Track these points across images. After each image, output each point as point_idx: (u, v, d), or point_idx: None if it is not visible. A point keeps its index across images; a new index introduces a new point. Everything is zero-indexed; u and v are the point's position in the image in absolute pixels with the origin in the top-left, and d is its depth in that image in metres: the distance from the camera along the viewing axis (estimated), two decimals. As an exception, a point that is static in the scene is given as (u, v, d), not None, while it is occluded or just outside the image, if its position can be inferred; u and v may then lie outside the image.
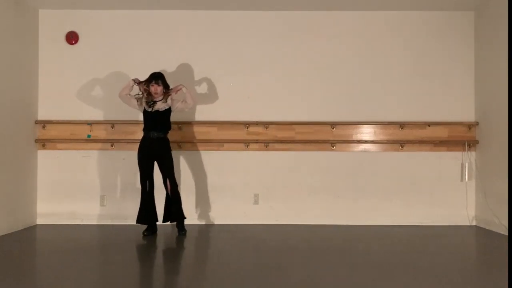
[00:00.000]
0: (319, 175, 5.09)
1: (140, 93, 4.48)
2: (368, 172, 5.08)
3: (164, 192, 4.48)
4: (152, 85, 4.41)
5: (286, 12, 5.10)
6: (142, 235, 4.40)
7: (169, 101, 4.50)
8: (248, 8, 5.04)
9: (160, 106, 4.44)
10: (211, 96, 5.08)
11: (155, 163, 4.49)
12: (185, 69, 5.07)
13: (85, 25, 5.11)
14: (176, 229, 4.53)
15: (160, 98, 4.46)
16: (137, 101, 4.49)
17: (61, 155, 5.06)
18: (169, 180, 4.44)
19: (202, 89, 5.09)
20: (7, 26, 4.56)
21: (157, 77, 4.43)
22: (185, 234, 4.46)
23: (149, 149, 4.42)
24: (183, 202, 4.54)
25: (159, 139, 4.43)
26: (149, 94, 4.44)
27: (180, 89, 4.51)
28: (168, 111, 4.49)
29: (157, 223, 4.54)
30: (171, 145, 4.57)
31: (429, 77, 5.11)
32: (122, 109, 4.96)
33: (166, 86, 4.48)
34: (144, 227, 4.48)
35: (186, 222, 4.52)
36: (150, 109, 4.42)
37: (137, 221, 4.47)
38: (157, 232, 4.52)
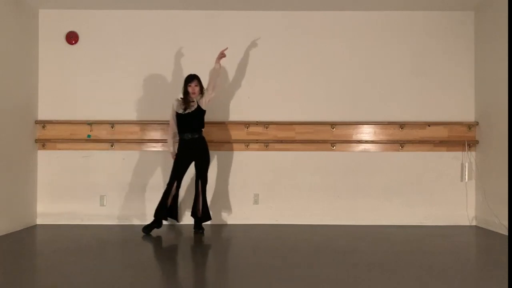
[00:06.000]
0: (319, 175, 5.09)
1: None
2: (368, 172, 5.08)
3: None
4: (189, 86, 4.43)
5: (286, 12, 5.10)
6: (142, 231, 4.45)
7: (199, 101, 4.48)
8: (248, 8, 5.05)
9: (191, 108, 4.47)
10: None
11: (191, 165, 4.57)
12: (185, 69, 5.06)
13: (85, 25, 5.12)
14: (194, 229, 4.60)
15: (199, 98, 4.47)
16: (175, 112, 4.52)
17: (61, 155, 5.06)
18: (201, 181, 4.54)
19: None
20: (7, 26, 4.56)
21: (193, 78, 4.45)
22: (203, 233, 4.52)
23: (188, 151, 4.47)
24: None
25: (194, 139, 4.47)
26: (186, 96, 4.45)
27: (222, 57, 4.50)
28: (199, 111, 4.47)
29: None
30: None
31: (429, 77, 5.11)
32: (122, 109, 4.97)
33: (201, 87, 4.50)
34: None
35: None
36: (181, 111, 4.45)
37: (156, 216, 4.48)
38: (150, 232, 4.52)
